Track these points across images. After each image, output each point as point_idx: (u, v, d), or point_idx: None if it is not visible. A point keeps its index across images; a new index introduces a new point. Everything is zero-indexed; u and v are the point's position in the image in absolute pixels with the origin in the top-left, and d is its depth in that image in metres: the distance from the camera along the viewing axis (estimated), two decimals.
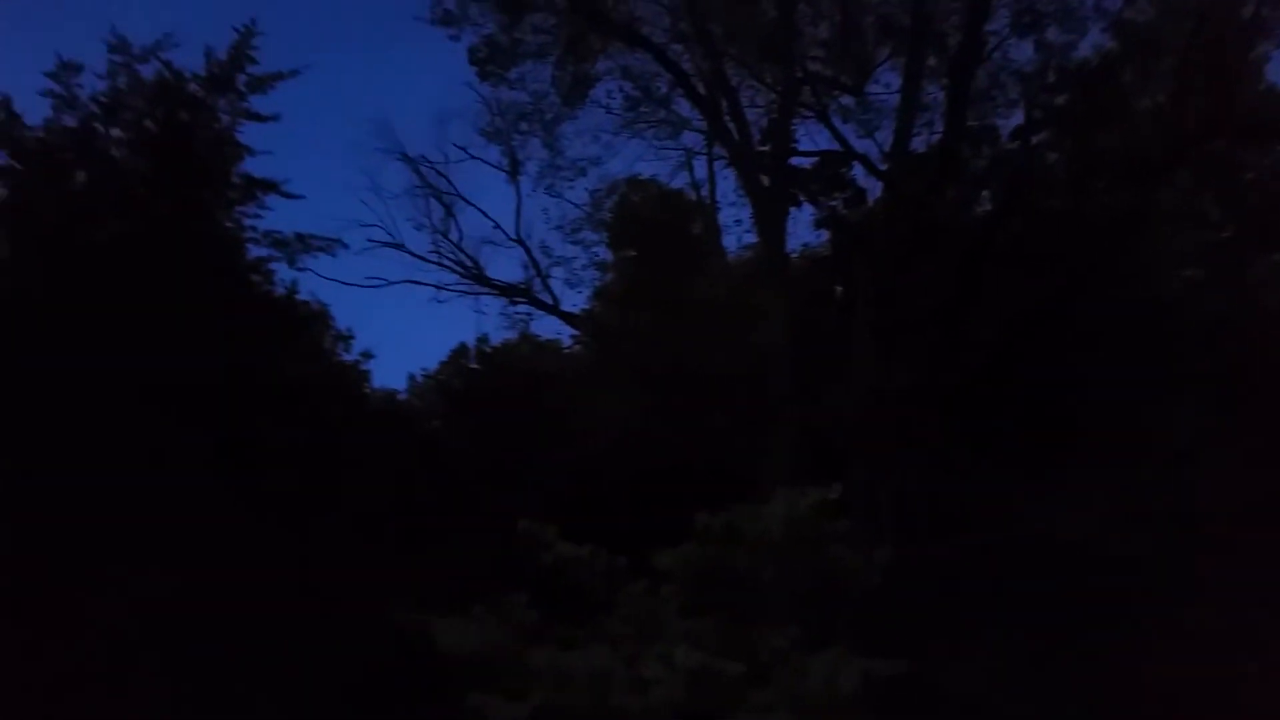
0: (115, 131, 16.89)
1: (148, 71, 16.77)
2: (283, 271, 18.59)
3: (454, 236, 21.87)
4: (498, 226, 22.01)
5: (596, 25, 19.94)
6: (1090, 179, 19.08)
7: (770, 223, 19.12)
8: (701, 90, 20.28)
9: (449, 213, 21.78)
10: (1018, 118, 19.69)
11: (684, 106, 21.39)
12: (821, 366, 18.21)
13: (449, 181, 21.76)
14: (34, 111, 16.46)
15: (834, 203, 21.21)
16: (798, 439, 16.94)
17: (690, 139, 22.37)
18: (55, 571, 12.71)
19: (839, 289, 21.59)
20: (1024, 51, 19.66)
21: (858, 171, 20.67)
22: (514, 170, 22.00)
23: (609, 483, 20.54)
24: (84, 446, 13.46)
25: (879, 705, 7.83)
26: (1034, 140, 19.53)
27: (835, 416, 17.37)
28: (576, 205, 23.30)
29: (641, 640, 7.74)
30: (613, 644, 7.83)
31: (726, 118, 19.70)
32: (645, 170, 24.41)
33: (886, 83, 20.50)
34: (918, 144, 19.50)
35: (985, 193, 20.76)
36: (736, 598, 8.05)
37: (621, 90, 21.43)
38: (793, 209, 20.48)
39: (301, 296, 19.50)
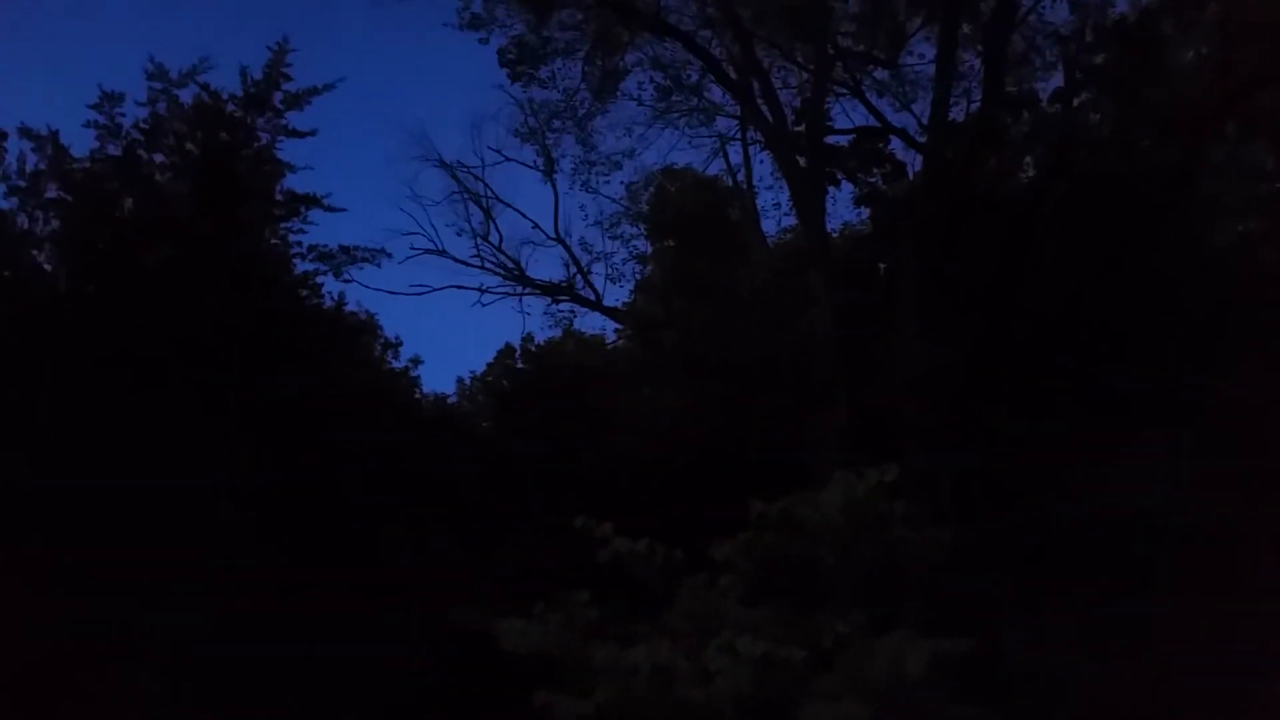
0: (158, 157, 17.20)
1: (186, 96, 17.06)
2: (329, 284, 18.89)
3: (494, 239, 22.10)
4: (537, 226, 22.19)
5: (624, 17, 19.89)
6: (1136, 137, 18.65)
7: (809, 203, 18.94)
8: (732, 75, 20.16)
9: (488, 216, 22.00)
10: (1057, 80, 19.32)
11: (716, 93, 21.37)
12: (869, 346, 18.02)
13: (486, 185, 21.97)
14: (80, 143, 16.85)
15: (873, 179, 20.99)
16: (849, 421, 16.78)
17: (724, 124, 22.34)
18: (122, 576, 13.05)
19: (883, 267, 21.36)
20: (1060, 13, 19.33)
21: (896, 146, 20.48)
22: (549, 169, 22.14)
23: (661, 475, 20.58)
24: (147, 460, 13.81)
25: (948, 686, 7.74)
26: (1075, 102, 19.12)
27: (886, 397, 17.17)
28: (613, 200, 23.39)
29: (703, 632, 7.71)
30: (674, 637, 7.81)
31: (759, 100, 19.56)
32: (680, 159, 24.58)
33: (920, 54, 20.29)
34: (956, 114, 19.27)
35: (1028, 159, 20.41)
36: (797, 585, 8.00)
37: (652, 81, 21.45)
38: (831, 188, 20.35)
39: (349, 308, 19.82)
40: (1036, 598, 13.97)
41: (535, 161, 22.21)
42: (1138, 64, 18.28)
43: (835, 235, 21.52)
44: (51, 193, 16.83)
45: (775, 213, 22.68)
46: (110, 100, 16.78)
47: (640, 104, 21.48)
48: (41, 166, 16.70)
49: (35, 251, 17.06)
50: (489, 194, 22.06)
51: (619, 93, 21.34)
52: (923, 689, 7.27)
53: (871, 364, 17.86)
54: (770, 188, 22.35)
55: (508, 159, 22.05)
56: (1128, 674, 13.11)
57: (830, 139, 20.21)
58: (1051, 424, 15.89)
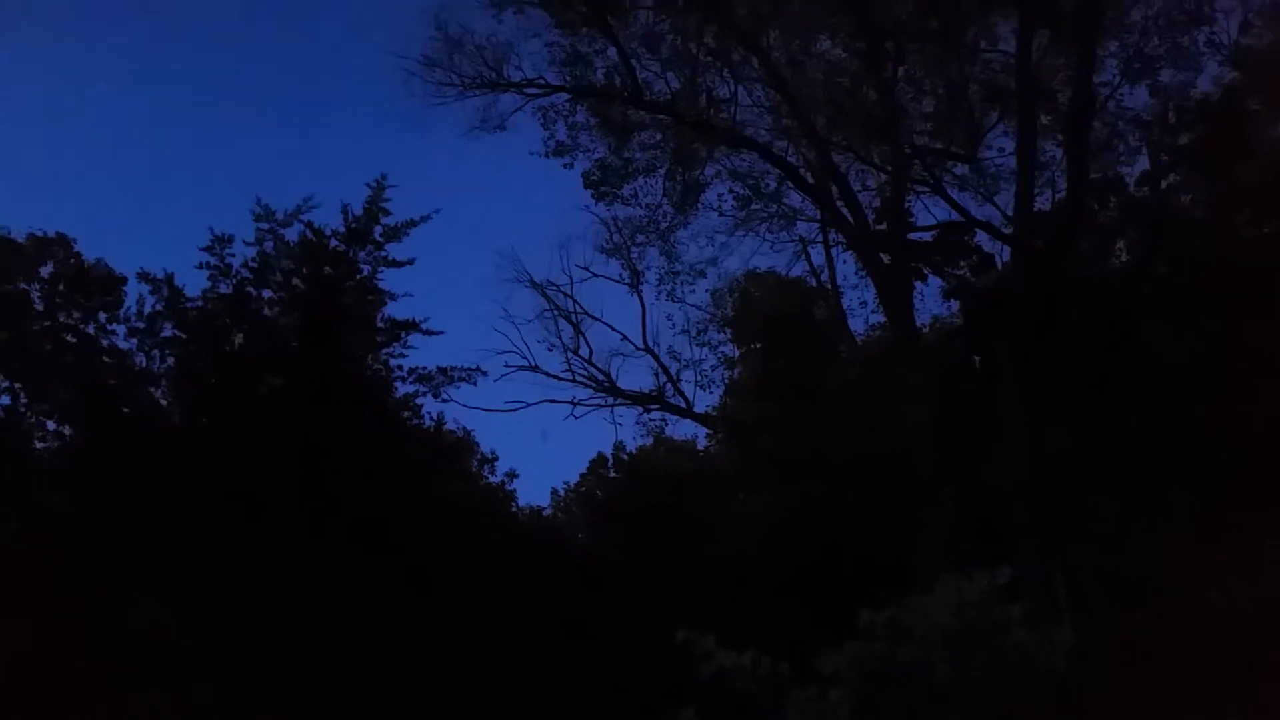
0: (267, 293, 18.03)
1: (292, 234, 17.92)
2: (429, 404, 19.35)
3: (584, 353, 22.42)
4: (625, 338, 22.48)
5: (701, 134, 20.44)
6: (1231, 214, 18.23)
7: (896, 299, 18.88)
8: (810, 180, 20.45)
9: (578, 331, 22.39)
10: (1143, 163, 19.17)
11: (794, 198, 21.65)
12: (970, 441, 17.60)
13: (575, 301, 22.42)
14: (193, 284, 17.77)
15: (960, 271, 20.87)
16: (953, 519, 16.31)
17: (804, 228, 22.53)
18: (239, 684, 13.36)
19: (977, 359, 21.01)
20: (1139, 97, 19.27)
21: (981, 238, 20.37)
22: (635, 282, 22.55)
23: (761, 580, 20.16)
24: (261, 580, 14.24)
25: None
26: (1164, 184, 18.87)
27: (992, 492, 16.68)
28: (699, 308, 23.64)
29: None
30: None
31: (839, 203, 19.76)
32: (763, 264, 24.71)
33: (1000, 146, 20.34)
34: (1041, 203, 19.16)
35: (1120, 243, 20.09)
36: (911, 696, 7.70)
37: (731, 191, 21.87)
38: (918, 283, 20.28)
39: (447, 426, 20.27)
40: (1169, 698, 13.13)
41: (621, 275, 22.69)
42: (1225, 141, 18.01)
43: (925, 329, 21.33)
44: (167, 332, 17.78)
45: (862, 310, 22.62)
46: (221, 242, 17.71)
47: (721, 214, 21.90)
48: (158, 308, 17.70)
49: (152, 388, 17.97)
50: (578, 310, 22.54)
51: (700, 204, 21.81)
52: None
53: (973, 459, 17.41)
54: (855, 286, 22.39)
55: (595, 275, 22.55)
56: None
57: (913, 235, 20.26)
58: (1167, 512, 15.20)
